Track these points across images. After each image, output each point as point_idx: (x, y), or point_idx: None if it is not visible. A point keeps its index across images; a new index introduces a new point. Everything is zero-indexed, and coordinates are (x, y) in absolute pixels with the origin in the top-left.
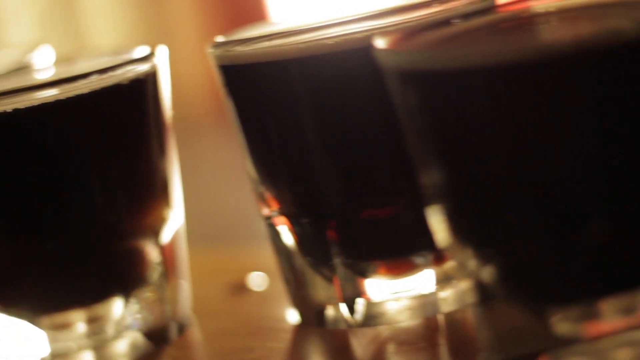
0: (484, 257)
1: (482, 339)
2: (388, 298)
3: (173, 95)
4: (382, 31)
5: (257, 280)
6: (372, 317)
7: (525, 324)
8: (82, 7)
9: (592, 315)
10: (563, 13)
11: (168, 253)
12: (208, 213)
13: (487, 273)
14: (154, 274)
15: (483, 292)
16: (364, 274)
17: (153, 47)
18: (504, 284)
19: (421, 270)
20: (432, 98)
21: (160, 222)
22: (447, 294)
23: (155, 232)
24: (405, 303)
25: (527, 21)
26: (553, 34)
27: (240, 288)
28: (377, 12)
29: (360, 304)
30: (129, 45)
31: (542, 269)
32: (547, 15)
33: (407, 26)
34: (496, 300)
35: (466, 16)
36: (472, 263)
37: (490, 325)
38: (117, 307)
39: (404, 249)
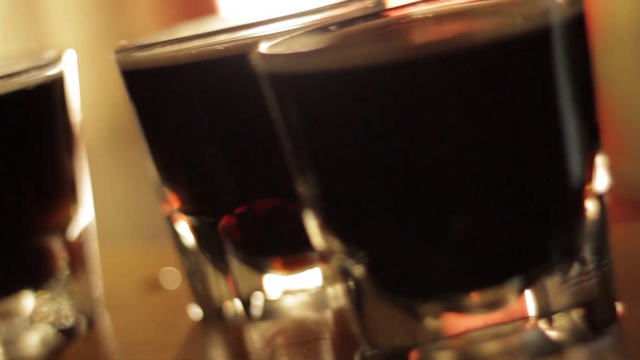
0: (355, 257)
1: (359, 335)
2: (283, 293)
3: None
4: (267, 37)
5: (169, 277)
6: (268, 312)
7: (397, 319)
8: (44, 9)
9: (458, 310)
10: (438, 17)
11: (76, 249)
12: (124, 211)
13: (359, 272)
14: (63, 269)
15: (358, 289)
16: (260, 270)
17: (61, 52)
18: (376, 281)
19: (316, 266)
20: (297, 102)
21: (68, 219)
22: (336, 289)
23: (62, 229)
24: (299, 298)
25: (402, 26)
26: (422, 38)
27: (153, 284)
28: (270, 18)
29: (257, 299)
30: (42, 50)
31: (407, 266)
32: (422, 20)
33: (284, 32)
34: (370, 297)
35: (347, 22)
36: (345, 263)
37: (365, 321)
38: (26, 301)
39: (296, 245)
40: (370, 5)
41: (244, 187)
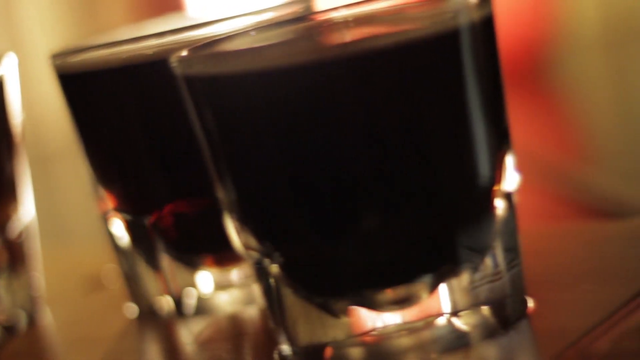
0: (271, 256)
1: (277, 332)
2: (216, 289)
3: None
4: (193, 42)
5: (111, 274)
6: (201, 308)
7: (313, 317)
8: (18, 12)
9: (370, 306)
10: (356, 22)
11: (16, 247)
12: (68, 210)
13: (276, 271)
14: (3, 267)
15: (275, 288)
16: (192, 267)
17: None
18: (291, 280)
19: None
20: (209, 105)
21: (7, 218)
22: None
23: (2, 228)
24: (232, 294)
25: (319, 30)
26: (335, 41)
27: (95, 282)
28: (196, 24)
29: (189, 295)
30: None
31: (320, 265)
32: (339, 24)
33: (210, 36)
34: (286, 295)
35: (268, 26)
36: (262, 262)
37: (283, 319)
38: None
39: (227, 242)
40: (300, 11)
41: (173, 185)
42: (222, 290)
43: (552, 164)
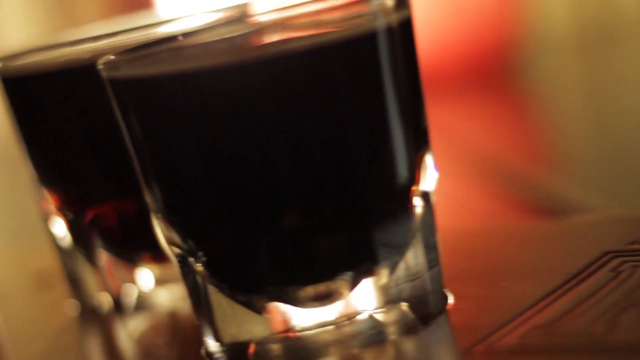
0: (195, 256)
1: (203, 330)
2: (156, 286)
3: None
4: (127, 46)
5: (58, 273)
6: (141, 305)
7: (237, 314)
8: None
9: (292, 303)
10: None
11: None
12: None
13: (200, 269)
14: None
15: (200, 287)
16: (132, 264)
17: None
18: (215, 278)
19: None
20: (132, 108)
21: None
22: None
23: None
24: (172, 290)
25: (246, 34)
26: (257, 45)
27: (42, 279)
28: (132, 28)
29: (129, 292)
30: None
31: (242, 264)
32: (264, 28)
33: (143, 41)
34: (211, 294)
35: (196, 31)
36: (187, 261)
37: (209, 316)
38: None
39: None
40: (236, 16)
41: (111, 184)
42: (161, 287)
43: (513, 167)
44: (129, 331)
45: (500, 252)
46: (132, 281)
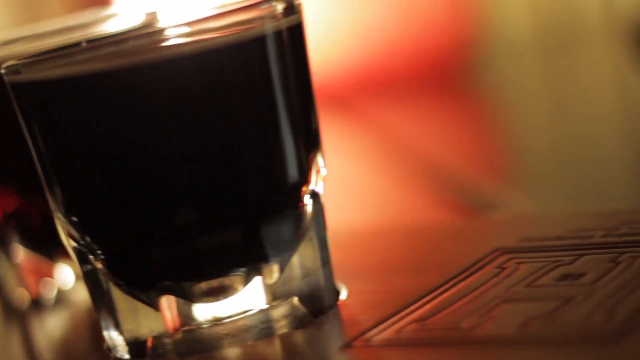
0: (94, 253)
1: (105, 324)
2: (75, 282)
3: None
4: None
5: None
6: (60, 301)
7: (136, 310)
8: None
9: (187, 298)
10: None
11: None
12: None
13: (100, 267)
14: None
15: (101, 283)
16: (51, 259)
17: None
18: (114, 275)
19: None
20: (30, 110)
21: None
22: None
23: None
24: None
25: (143, 39)
26: (148, 49)
27: None
28: (40, 33)
29: (48, 288)
30: None
31: (137, 261)
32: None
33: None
34: (110, 290)
35: (99, 39)
36: (87, 259)
37: (110, 312)
38: None
39: None
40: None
41: (25, 181)
42: (81, 283)
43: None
44: (47, 327)
45: (400, 249)
46: (51, 277)
